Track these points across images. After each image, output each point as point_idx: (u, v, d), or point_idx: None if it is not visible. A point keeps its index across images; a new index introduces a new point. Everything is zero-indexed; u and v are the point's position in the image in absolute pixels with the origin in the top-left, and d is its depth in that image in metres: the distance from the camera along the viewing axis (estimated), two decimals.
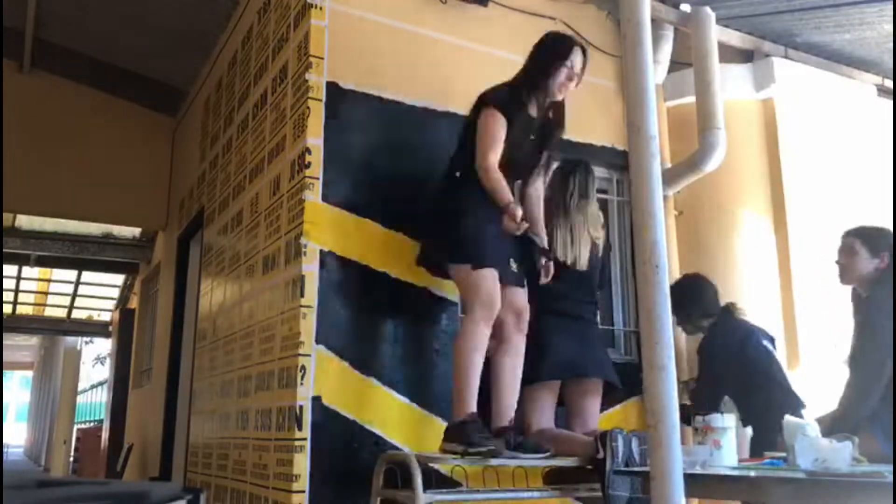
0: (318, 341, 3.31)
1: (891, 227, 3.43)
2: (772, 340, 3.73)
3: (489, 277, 3.08)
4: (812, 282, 3.99)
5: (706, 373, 3.67)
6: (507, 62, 4.05)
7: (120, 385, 9.06)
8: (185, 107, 6.56)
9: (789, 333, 4.05)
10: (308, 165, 3.45)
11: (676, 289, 3.46)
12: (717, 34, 3.92)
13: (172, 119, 6.97)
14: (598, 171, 4.33)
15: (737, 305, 3.77)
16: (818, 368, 3.96)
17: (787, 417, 2.74)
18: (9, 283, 11.52)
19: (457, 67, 3.93)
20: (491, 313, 3.07)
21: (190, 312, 5.90)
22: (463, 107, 3.87)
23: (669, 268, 4.11)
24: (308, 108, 3.51)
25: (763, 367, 3.62)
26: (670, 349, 1.99)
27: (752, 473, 2.39)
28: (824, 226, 4.08)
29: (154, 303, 7.66)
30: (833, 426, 3.00)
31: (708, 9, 3.76)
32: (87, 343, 16.71)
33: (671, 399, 1.97)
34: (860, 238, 3.46)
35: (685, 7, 3.99)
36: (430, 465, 3.09)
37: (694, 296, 3.74)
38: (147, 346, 7.72)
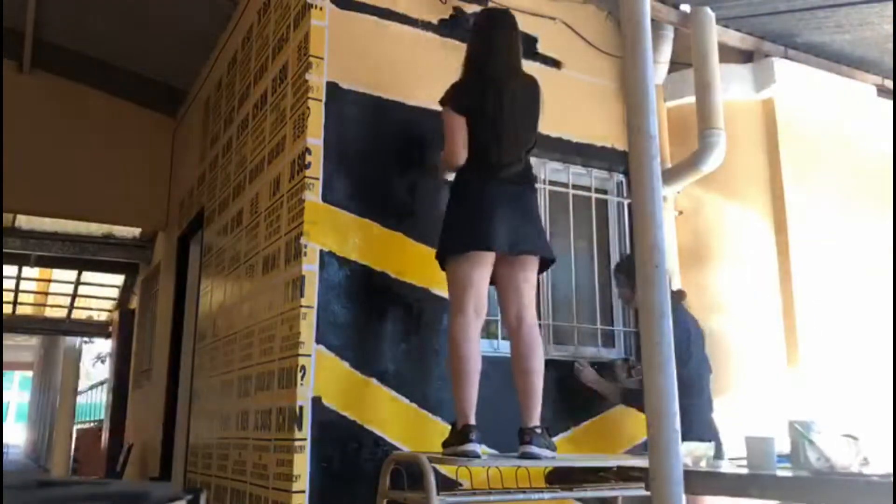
0: (318, 341, 3.31)
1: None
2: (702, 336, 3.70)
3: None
4: (812, 282, 3.99)
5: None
6: None
7: (120, 385, 9.07)
8: (186, 107, 6.56)
9: (789, 333, 4.05)
10: (308, 165, 3.45)
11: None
12: (717, 34, 3.92)
13: (172, 119, 6.97)
14: (598, 172, 4.35)
15: (684, 293, 3.78)
16: (818, 368, 3.95)
17: (792, 417, 2.73)
18: (9, 283, 11.52)
19: (457, 68, 3.92)
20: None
21: (190, 312, 5.90)
22: None
23: (669, 268, 4.13)
24: (308, 108, 3.51)
25: (698, 366, 3.60)
26: (670, 349, 1.99)
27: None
28: (824, 226, 4.08)
29: (154, 303, 7.65)
30: None
31: (708, 9, 3.75)
32: (86, 343, 16.70)
33: (671, 399, 1.97)
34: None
35: (685, 7, 3.99)
36: (434, 465, 3.09)
37: None
38: (147, 346, 7.71)
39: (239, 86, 4.79)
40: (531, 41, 4.15)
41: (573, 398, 3.83)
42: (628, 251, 4.24)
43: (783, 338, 4.04)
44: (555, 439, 3.71)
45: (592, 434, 3.84)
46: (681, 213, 4.20)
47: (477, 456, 2.93)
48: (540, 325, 3.95)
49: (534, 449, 2.98)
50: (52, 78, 6.61)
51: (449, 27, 3.93)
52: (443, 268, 3.25)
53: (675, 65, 4.28)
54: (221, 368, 4.49)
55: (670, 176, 4.08)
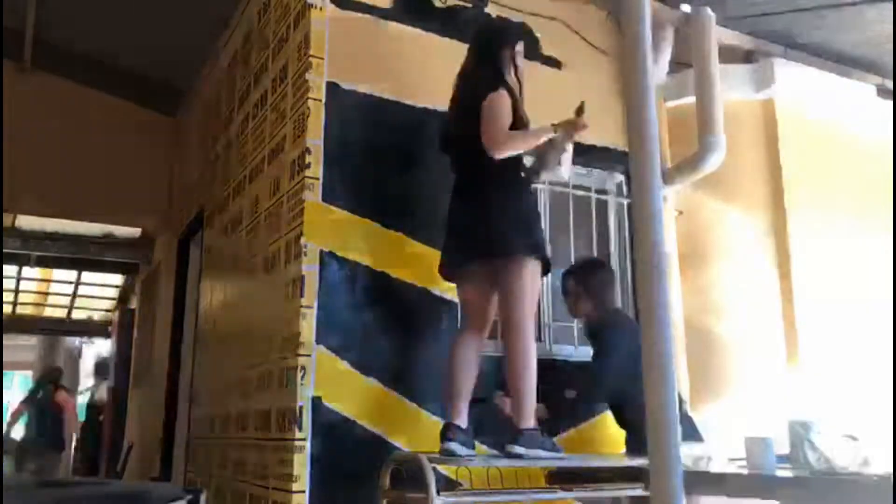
0: (318, 341, 3.32)
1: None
2: None
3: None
4: (811, 282, 3.99)
5: (613, 362, 3.43)
6: None
7: (120, 385, 9.06)
8: (186, 107, 6.56)
9: (789, 333, 4.05)
10: (308, 166, 3.46)
11: (600, 268, 3.69)
12: (717, 34, 3.91)
13: (173, 119, 6.97)
14: (599, 173, 4.35)
15: None
16: (817, 368, 3.95)
17: (792, 417, 2.73)
18: (9, 284, 11.50)
19: (457, 68, 3.92)
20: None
21: (190, 313, 5.89)
22: None
23: (669, 268, 4.12)
24: (308, 108, 3.52)
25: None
26: (670, 349, 1.99)
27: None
28: (823, 225, 4.08)
29: (154, 303, 7.65)
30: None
31: (708, 9, 3.75)
32: (86, 343, 16.70)
33: (671, 399, 1.96)
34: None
35: (685, 7, 3.98)
36: (435, 465, 3.09)
37: (608, 281, 3.73)
38: (147, 346, 7.71)
39: (239, 86, 4.79)
40: (534, 41, 4.16)
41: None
42: (629, 251, 4.24)
43: (783, 338, 4.04)
44: (555, 439, 3.73)
45: (593, 434, 3.84)
46: (680, 213, 4.20)
47: (451, 453, 2.99)
48: (539, 325, 3.99)
49: (516, 448, 3.00)
50: (52, 78, 6.61)
51: (447, 26, 3.93)
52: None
53: (676, 65, 4.27)
54: (222, 369, 4.49)
55: (670, 176, 4.08)
